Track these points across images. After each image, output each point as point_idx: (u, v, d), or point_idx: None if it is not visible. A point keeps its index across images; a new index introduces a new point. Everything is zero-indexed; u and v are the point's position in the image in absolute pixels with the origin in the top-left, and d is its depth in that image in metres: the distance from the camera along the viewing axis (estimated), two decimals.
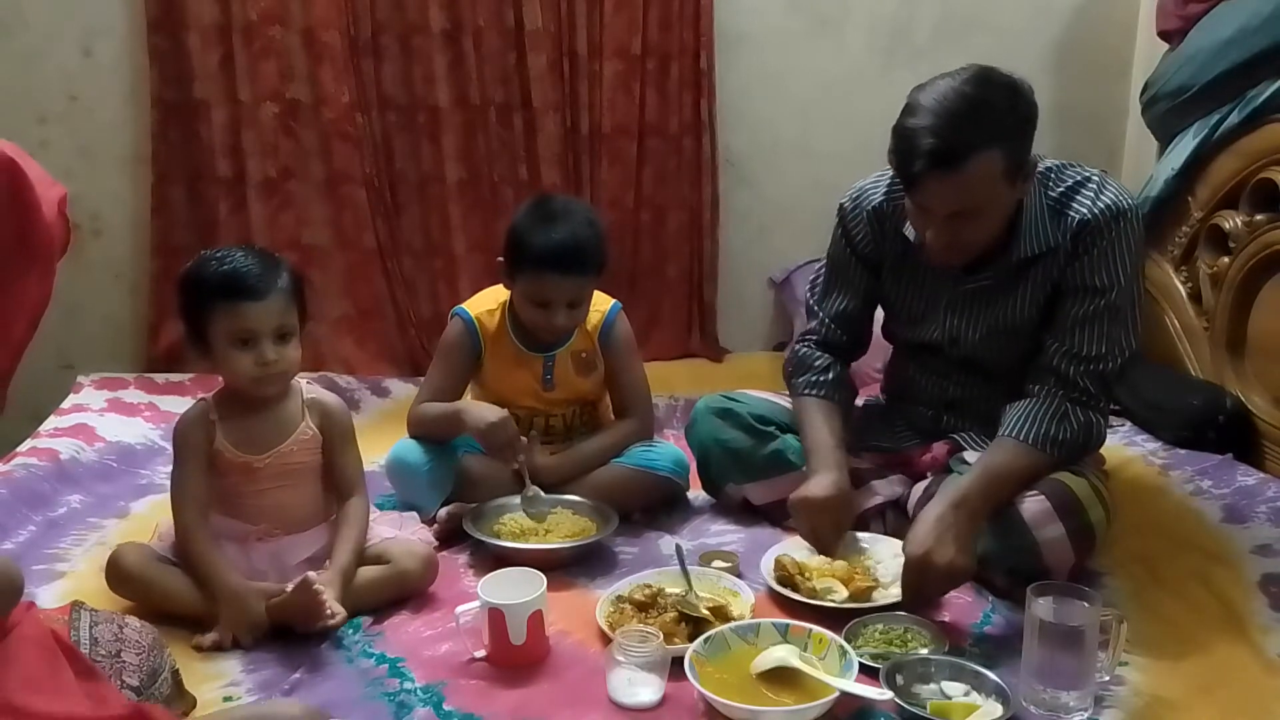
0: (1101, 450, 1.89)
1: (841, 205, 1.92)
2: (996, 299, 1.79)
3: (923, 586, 1.60)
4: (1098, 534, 1.70)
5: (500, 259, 1.99)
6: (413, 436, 2.02)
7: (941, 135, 1.53)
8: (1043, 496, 1.65)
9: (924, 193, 1.61)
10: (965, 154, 1.53)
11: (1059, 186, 1.72)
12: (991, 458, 1.69)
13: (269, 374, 1.66)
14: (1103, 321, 1.70)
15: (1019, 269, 1.75)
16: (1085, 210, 1.69)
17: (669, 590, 1.64)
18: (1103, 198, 1.69)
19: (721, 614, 1.58)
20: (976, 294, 1.80)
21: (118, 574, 1.65)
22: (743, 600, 1.65)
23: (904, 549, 1.62)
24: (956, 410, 1.94)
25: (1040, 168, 1.71)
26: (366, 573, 1.70)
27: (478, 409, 1.95)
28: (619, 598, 1.64)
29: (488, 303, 2.08)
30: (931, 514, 1.62)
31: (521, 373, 2.07)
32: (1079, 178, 1.72)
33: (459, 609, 1.56)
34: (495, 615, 1.50)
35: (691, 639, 1.49)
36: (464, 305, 2.10)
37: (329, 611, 1.56)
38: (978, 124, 1.54)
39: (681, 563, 1.71)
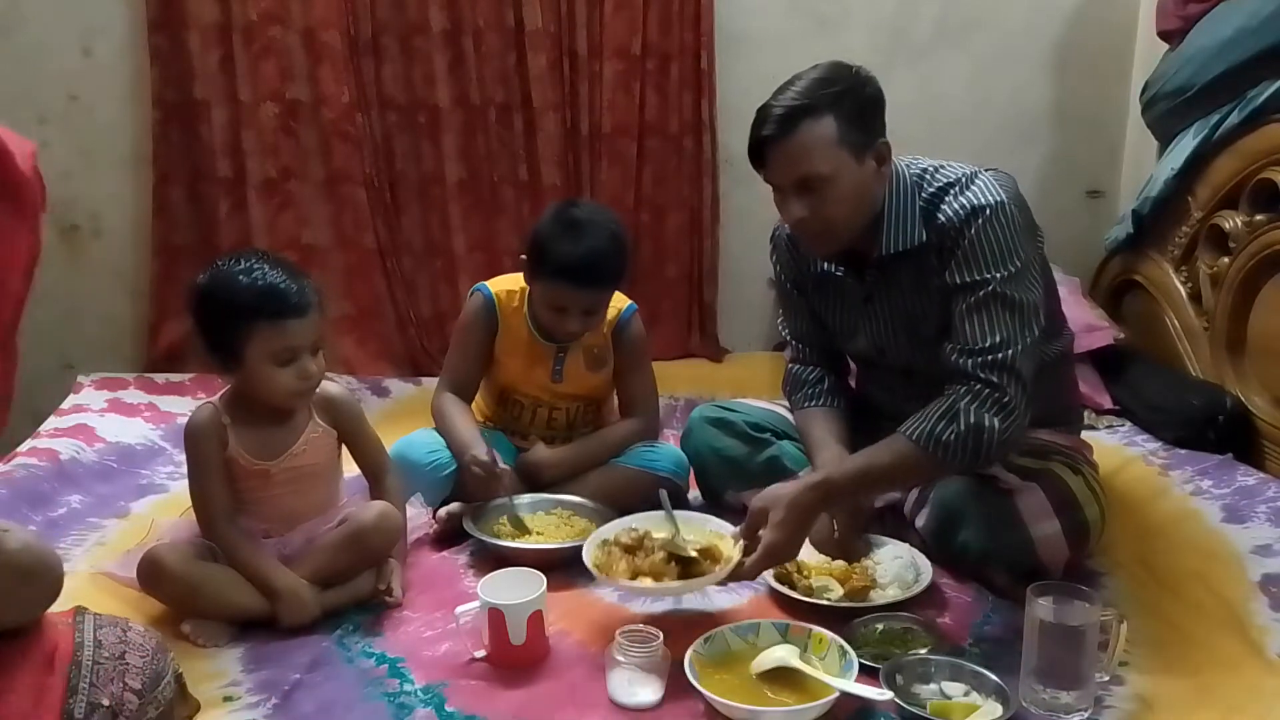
0: (1100, 450, 1.88)
1: (771, 236, 1.96)
2: (893, 301, 1.77)
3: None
4: (1092, 532, 1.71)
5: (523, 256, 1.99)
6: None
7: (778, 106, 1.61)
8: (1040, 491, 1.65)
9: (767, 167, 1.65)
10: (797, 118, 1.60)
11: (932, 187, 1.70)
12: (876, 454, 1.65)
13: (309, 387, 1.67)
14: (989, 310, 1.62)
15: (893, 266, 1.72)
16: (942, 214, 1.67)
17: (655, 535, 1.63)
18: (960, 199, 1.65)
19: (711, 554, 1.58)
20: (875, 299, 1.79)
21: (156, 575, 1.60)
22: (730, 542, 1.61)
23: (769, 524, 1.58)
24: None
25: (915, 168, 1.71)
26: (325, 537, 1.69)
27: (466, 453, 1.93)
28: (605, 540, 1.64)
29: (510, 283, 2.09)
30: (788, 495, 1.59)
31: (532, 361, 2.08)
32: (950, 179, 1.69)
33: (459, 609, 1.56)
34: (495, 615, 1.51)
35: (681, 578, 1.51)
36: (485, 282, 2.11)
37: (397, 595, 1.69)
38: (810, 95, 1.61)
39: (667, 509, 1.70)
